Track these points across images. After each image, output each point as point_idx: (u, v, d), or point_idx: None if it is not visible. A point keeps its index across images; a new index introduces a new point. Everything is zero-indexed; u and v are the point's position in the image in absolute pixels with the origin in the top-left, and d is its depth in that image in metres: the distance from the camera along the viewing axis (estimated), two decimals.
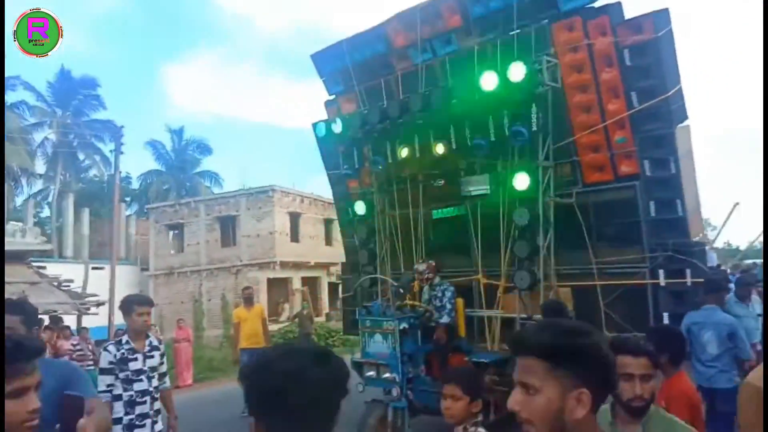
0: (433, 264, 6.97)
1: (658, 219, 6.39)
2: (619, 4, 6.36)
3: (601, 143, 6.69)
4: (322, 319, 26.31)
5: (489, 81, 6.32)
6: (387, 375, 6.33)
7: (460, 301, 7.37)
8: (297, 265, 27.13)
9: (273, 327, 24.13)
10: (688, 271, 6.17)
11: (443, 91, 6.83)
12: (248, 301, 9.70)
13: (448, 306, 6.88)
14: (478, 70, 6.75)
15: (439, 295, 6.93)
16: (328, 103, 9.18)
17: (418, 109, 6.99)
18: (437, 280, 7.00)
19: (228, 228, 27.16)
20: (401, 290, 6.66)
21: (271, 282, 26.37)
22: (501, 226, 6.93)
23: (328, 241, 29.60)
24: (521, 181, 6.45)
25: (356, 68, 8.46)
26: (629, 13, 6.39)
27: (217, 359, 17.47)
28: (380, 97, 8.14)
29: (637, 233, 6.55)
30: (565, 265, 6.84)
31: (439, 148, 7.18)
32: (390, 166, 8.02)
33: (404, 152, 7.72)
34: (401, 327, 6.40)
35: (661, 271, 6.36)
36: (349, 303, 9.39)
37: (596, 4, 6.42)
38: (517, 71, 6.06)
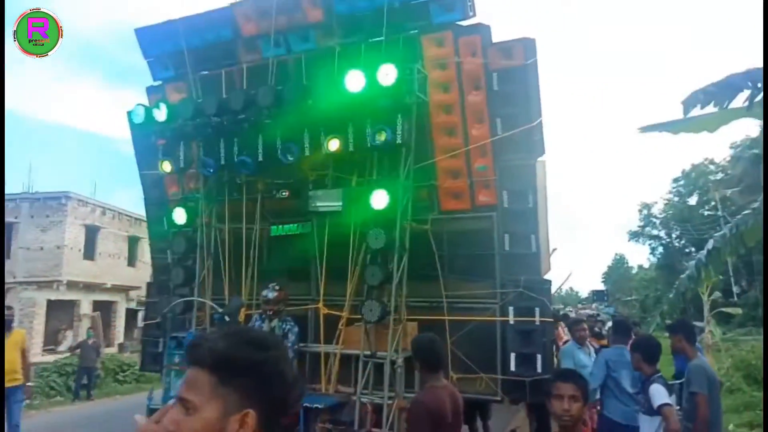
0: (285, 293, 5.86)
1: (512, 253, 6.10)
2: (489, 26, 6.11)
3: (462, 169, 6.28)
4: (113, 350, 22.78)
5: (355, 81, 5.54)
6: None
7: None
8: (89, 287, 23.33)
9: (49, 358, 20.23)
10: (537, 310, 5.92)
11: (299, 88, 5.88)
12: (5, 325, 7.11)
13: (291, 354, 5.78)
14: (338, 72, 5.96)
15: (280, 333, 5.81)
16: (150, 90, 7.62)
17: (267, 104, 5.93)
18: (284, 312, 5.89)
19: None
20: (227, 318, 5.39)
21: (52, 304, 22.21)
22: (350, 250, 6.09)
23: (131, 261, 26.18)
24: (379, 200, 5.71)
25: (192, 53, 7.11)
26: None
27: None
28: (218, 90, 6.90)
29: (490, 267, 6.19)
30: (414, 297, 6.20)
31: (288, 154, 6.13)
32: (222, 170, 6.74)
33: (242, 155, 6.51)
34: None
35: (510, 309, 6.04)
36: (152, 332, 7.69)
37: (468, 22, 6.08)
38: (387, 74, 5.38)
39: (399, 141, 5.59)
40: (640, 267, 52.10)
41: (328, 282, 6.41)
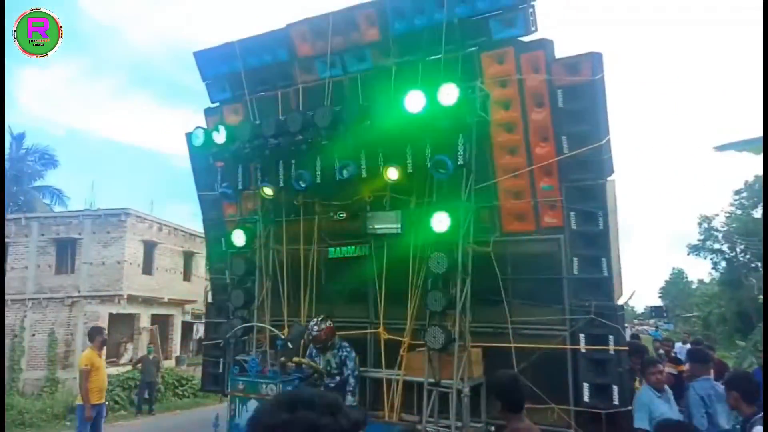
0: (331, 326, 5.74)
1: (581, 278, 5.79)
2: (552, 41, 5.86)
3: (525, 189, 6.04)
4: (171, 363, 23.31)
5: (415, 101, 5.40)
6: None
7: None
8: (147, 301, 23.98)
9: (112, 371, 20.84)
10: (611, 338, 5.58)
11: (357, 109, 5.78)
12: (102, 345, 7.91)
13: (352, 380, 5.67)
14: (394, 92, 5.85)
15: (337, 361, 5.69)
16: (208, 112, 7.72)
17: (324, 125, 5.86)
18: (336, 340, 5.77)
19: (66, 252, 23.36)
20: (289, 344, 5.31)
21: (114, 318, 22.94)
22: (410, 273, 5.92)
23: (186, 276, 26.79)
24: (440, 222, 5.52)
25: (249, 75, 7.16)
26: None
27: (31, 411, 14.20)
28: (274, 112, 6.90)
29: (557, 292, 5.89)
30: (477, 322, 5.95)
31: (345, 174, 6.04)
32: (281, 191, 6.71)
33: (300, 176, 6.46)
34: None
35: (582, 336, 5.72)
36: (212, 353, 7.72)
37: (530, 38, 5.85)
38: (448, 94, 5.21)
39: (461, 162, 5.40)
40: (701, 282, 49.62)
41: (387, 306, 6.26)
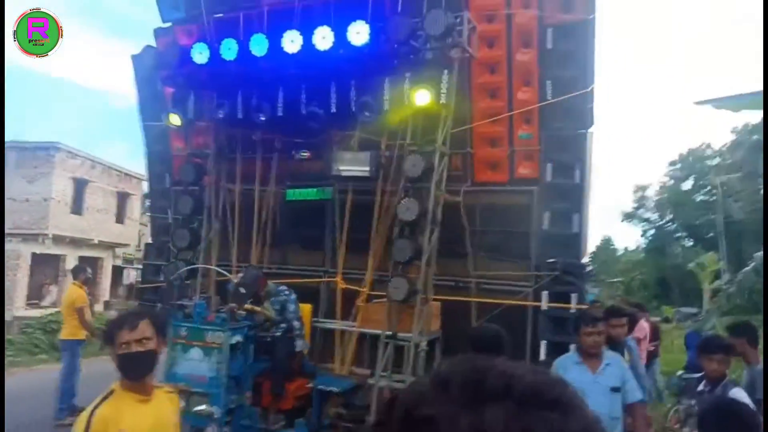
0: (263, 277, 5.30)
1: (551, 233, 5.57)
2: None
3: (502, 137, 5.70)
4: (99, 307, 22.19)
5: (396, 28, 4.87)
6: (202, 408, 4.45)
7: (306, 308, 5.78)
8: (75, 242, 22.57)
9: (33, 313, 19.63)
10: (573, 296, 5.42)
11: (330, 35, 5.17)
12: (86, 283, 7.76)
13: (296, 323, 5.25)
14: (373, 19, 5.28)
15: (277, 308, 5.25)
16: (158, 32, 6.86)
17: (296, 50, 5.23)
18: (271, 287, 5.32)
19: None
20: (241, 290, 4.83)
21: (37, 258, 21.49)
22: (375, 220, 5.52)
23: (119, 218, 25.37)
24: (413, 166, 5.11)
25: None
26: None
27: None
28: (235, 36, 6.16)
29: (525, 246, 5.67)
30: (439, 275, 5.66)
31: (312, 110, 5.47)
32: (237, 124, 6.07)
33: (262, 107, 5.82)
34: (233, 341, 4.59)
35: (544, 293, 5.53)
36: (149, 296, 7.11)
37: None
38: (436, 21, 4.71)
39: (443, 101, 4.96)
40: (626, 249, 52.00)
41: (346, 254, 5.85)
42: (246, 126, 6.04)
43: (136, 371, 2.14)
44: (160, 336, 2.23)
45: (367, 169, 5.45)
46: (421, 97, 4.97)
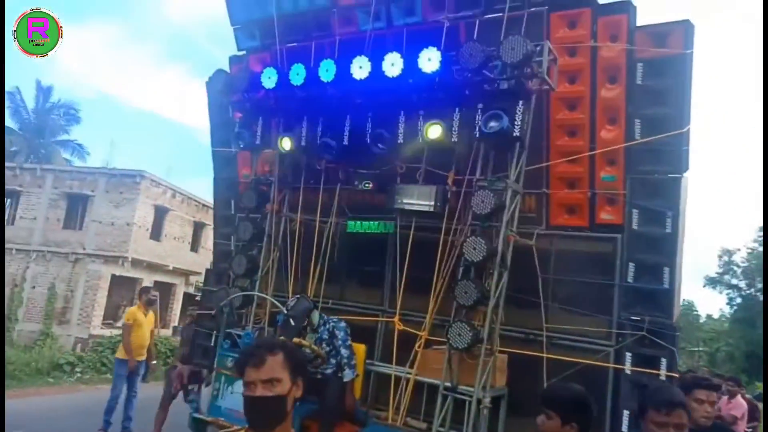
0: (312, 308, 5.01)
1: (636, 287, 4.95)
2: (635, 6, 5.02)
3: (582, 178, 5.21)
4: (168, 332, 22.78)
5: (470, 55, 4.59)
6: None
7: (360, 348, 5.41)
8: (152, 267, 23.49)
9: (106, 332, 20.38)
10: (663, 361, 4.74)
11: (407, 62, 4.97)
12: (149, 304, 8.43)
13: (344, 351, 4.90)
14: (446, 49, 5.04)
15: (326, 336, 4.92)
16: (233, 60, 6.97)
17: (364, 77, 5.07)
18: (316, 317, 5.00)
19: (76, 208, 22.93)
20: (291, 321, 4.55)
21: (116, 280, 22.48)
22: (438, 259, 5.14)
23: (194, 246, 26.30)
24: (482, 202, 4.72)
25: (281, 21, 6.40)
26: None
27: (16, 363, 13.65)
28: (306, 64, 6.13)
29: (605, 300, 5.07)
30: (507, 325, 5.15)
31: (378, 140, 5.25)
32: (302, 152, 5.95)
33: (326, 136, 5.68)
34: None
35: (628, 355, 4.89)
36: (205, 323, 6.99)
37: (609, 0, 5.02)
38: (513, 48, 4.39)
39: (517, 133, 4.58)
40: (709, 317, 48.11)
41: (406, 293, 5.47)
42: (310, 153, 5.90)
43: (260, 420, 1.73)
44: (297, 377, 1.78)
45: (432, 203, 5.12)
46: (492, 127, 4.62)
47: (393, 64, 4.91)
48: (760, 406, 12.56)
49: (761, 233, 40.14)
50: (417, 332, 5.22)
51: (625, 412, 4.79)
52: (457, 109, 4.93)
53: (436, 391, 4.86)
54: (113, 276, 22.35)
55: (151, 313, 8.44)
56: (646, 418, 2.33)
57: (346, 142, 5.58)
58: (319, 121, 5.66)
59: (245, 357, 1.79)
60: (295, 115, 5.77)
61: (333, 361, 4.77)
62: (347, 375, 4.74)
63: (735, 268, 42.40)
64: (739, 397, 8.15)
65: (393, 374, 5.24)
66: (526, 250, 5.23)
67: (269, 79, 5.49)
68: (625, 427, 4.75)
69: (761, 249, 40.03)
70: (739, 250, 42.59)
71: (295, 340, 4.58)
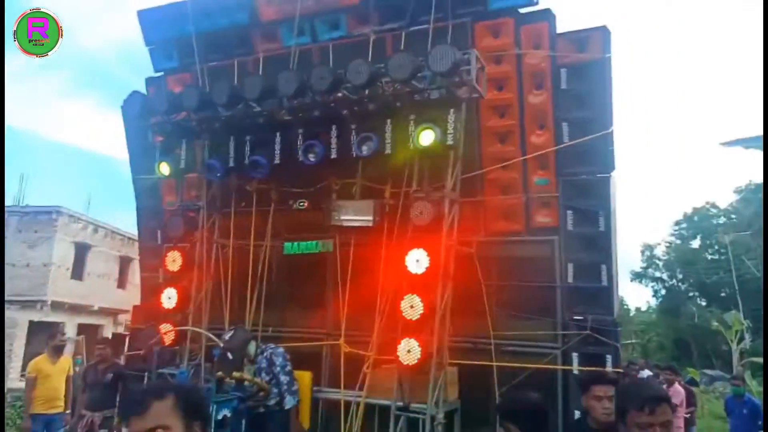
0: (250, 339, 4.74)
1: (577, 287, 5.03)
2: (554, 14, 5.17)
3: (515, 183, 5.27)
4: None
5: (399, 67, 4.54)
6: None
7: (305, 376, 5.16)
8: (75, 308, 21.97)
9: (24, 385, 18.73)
10: (608, 358, 4.81)
11: (328, 76, 4.85)
12: (56, 350, 7.18)
13: (284, 378, 4.62)
14: (373, 64, 4.98)
15: (264, 365, 4.65)
16: (149, 81, 6.63)
17: (288, 93, 4.90)
18: (252, 348, 4.71)
19: None
20: (229, 355, 4.25)
21: (35, 326, 20.82)
22: (382, 274, 5.00)
23: (122, 283, 24.87)
24: (420, 214, 4.65)
25: (201, 40, 6.14)
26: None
27: None
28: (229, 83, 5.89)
29: (549, 303, 5.11)
30: (455, 336, 5.07)
31: (310, 156, 5.08)
32: (230, 174, 5.68)
33: (255, 155, 5.43)
34: (219, 416, 3.98)
35: (575, 355, 4.93)
36: (137, 365, 6.49)
37: (532, 8, 5.14)
38: (442, 58, 4.37)
39: (450, 142, 4.55)
40: (638, 310, 50.70)
41: (350, 314, 5.29)
42: (240, 175, 5.64)
43: None
44: (193, 421, 1.54)
45: (370, 218, 4.99)
46: (426, 138, 4.57)
47: (322, 78, 4.77)
48: (696, 390, 13.21)
49: (677, 227, 42.89)
50: (364, 353, 5.04)
51: (577, 413, 4.79)
52: (389, 121, 4.84)
53: (389, 413, 4.70)
54: (31, 322, 20.71)
55: (63, 359, 7.46)
56: (627, 421, 2.11)
57: (277, 161, 5.36)
58: (246, 140, 5.42)
59: (127, 405, 1.57)
60: (221, 136, 5.50)
61: (275, 390, 4.50)
62: (288, 402, 4.47)
63: (657, 261, 44.98)
64: (676, 384, 8.45)
65: (342, 399, 5.02)
66: (467, 258, 5.19)
67: (190, 99, 5.21)
68: None
69: (678, 242, 42.72)
70: (659, 244, 45.24)
71: (235, 374, 4.28)
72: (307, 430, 4.83)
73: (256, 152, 5.43)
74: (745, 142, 5.47)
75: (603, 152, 4.97)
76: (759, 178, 33.18)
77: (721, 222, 39.06)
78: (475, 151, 5.30)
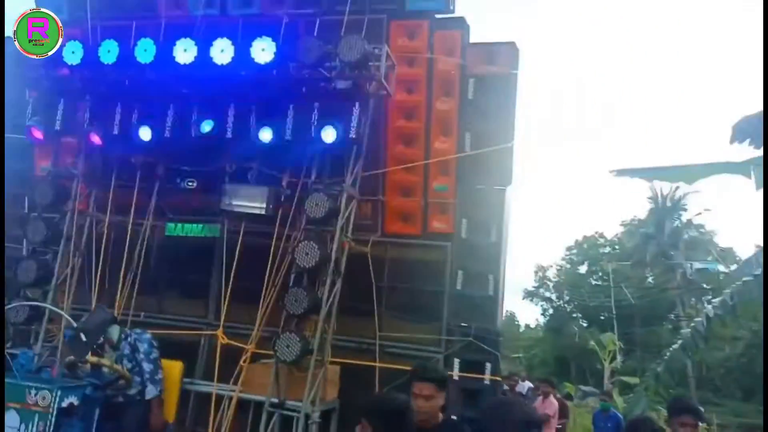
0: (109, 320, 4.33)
1: (464, 294, 5.07)
2: (468, 24, 5.23)
3: (416, 187, 5.25)
4: None
5: (308, 51, 4.36)
6: None
7: (176, 366, 4.80)
8: None
9: None
10: (488, 366, 4.89)
11: (239, 50, 4.57)
12: None
13: (147, 366, 4.24)
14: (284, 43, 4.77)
15: (127, 352, 4.26)
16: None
17: (188, 61, 4.57)
18: (115, 332, 4.30)
19: None
20: (83, 336, 3.82)
21: None
22: (269, 265, 4.77)
23: None
24: (316, 206, 4.49)
25: None
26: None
27: None
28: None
29: (436, 308, 5.12)
30: (340, 334, 4.95)
31: (206, 129, 4.75)
32: (114, 144, 5.20)
33: (145, 131, 5.02)
34: (64, 403, 3.57)
35: (456, 361, 4.96)
36: None
37: (448, 15, 5.16)
38: (351, 48, 4.25)
39: (353, 135, 4.44)
40: (527, 326, 53.51)
41: (232, 304, 5.00)
42: (123, 145, 5.18)
43: None
44: None
45: (263, 206, 4.75)
46: (328, 136, 4.44)
47: (222, 51, 4.49)
48: (569, 404, 13.97)
49: (568, 252, 45.72)
50: (243, 345, 4.78)
51: (453, 418, 4.82)
52: (291, 107, 4.64)
53: (262, 409, 4.47)
54: None
55: None
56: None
57: (167, 134, 4.97)
58: (135, 108, 4.99)
59: None
60: (107, 100, 5.02)
61: (138, 379, 4.12)
62: (150, 392, 4.11)
63: (548, 282, 47.62)
64: (551, 397, 8.85)
65: (214, 392, 4.72)
66: (360, 257, 5.10)
67: (73, 53, 4.70)
68: None
69: (568, 266, 45.51)
70: (551, 266, 47.92)
71: (91, 359, 3.86)
72: (172, 423, 4.47)
73: (145, 123, 5.02)
74: (633, 173, 5.83)
75: (502, 165, 5.07)
76: (642, 214, 36.34)
77: (606, 251, 42.00)
78: (380, 150, 5.23)
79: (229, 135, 4.73)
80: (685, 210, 34.05)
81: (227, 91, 4.78)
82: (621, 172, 5.74)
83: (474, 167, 5.11)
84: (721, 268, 30.09)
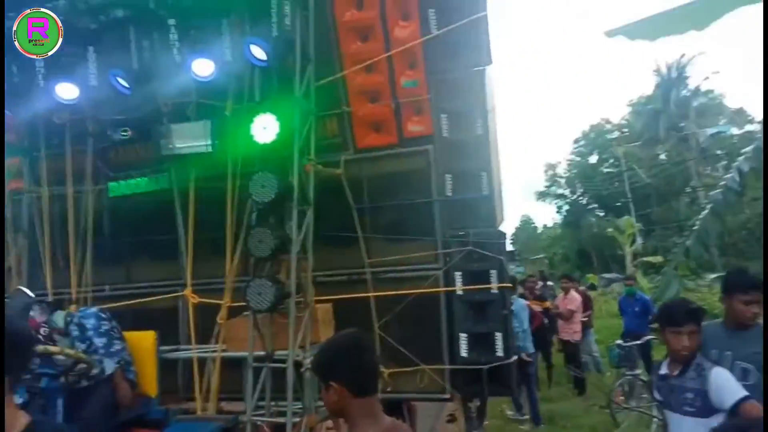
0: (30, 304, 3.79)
1: (455, 199, 4.46)
2: None
3: (383, 88, 4.52)
4: None
5: None
6: None
7: (148, 336, 4.31)
8: None
9: None
10: (493, 274, 4.33)
11: None
12: None
13: (98, 340, 3.74)
14: None
15: (77, 334, 3.76)
16: None
17: None
18: (59, 318, 3.79)
19: None
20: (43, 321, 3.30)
21: None
22: (229, 208, 4.18)
23: None
24: (264, 129, 3.81)
25: None
26: None
27: None
28: None
29: (427, 220, 4.53)
30: (325, 269, 4.43)
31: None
32: (33, 105, 4.49)
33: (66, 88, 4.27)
34: (20, 401, 3.09)
35: (457, 274, 4.42)
36: None
37: None
38: None
39: (275, 33, 3.68)
40: (545, 226, 53.32)
41: (198, 258, 4.46)
42: (45, 106, 4.47)
43: None
44: None
45: (207, 142, 4.09)
46: (260, 44, 3.68)
47: None
48: (593, 294, 13.71)
49: (576, 145, 44.73)
50: (216, 301, 4.27)
51: (462, 336, 4.36)
52: (225, 22, 3.87)
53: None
54: None
55: None
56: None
57: (93, 83, 4.23)
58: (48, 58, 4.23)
59: None
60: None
61: (97, 357, 3.65)
62: (108, 366, 3.64)
63: (559, 179, 47.00)
64: (572, 291, 8.48)
65: (195, 356, 4.27)
66: (334, 181, 4.49)
67: None
68: (464, 352, 4.33)
69: (578, 159, 44.68)
70: (560, 162, 47.12)
71: (40, 348, 3.38)
72: (155, 396, 4.04)
73: (63, 72, 4.28)
74: (629, 32, 4.98)
75: (476, 42, 4.30)
76: (648, 90, 34.78)
77: (614, 136, 41.08)
78: (333, 53, 4.48)
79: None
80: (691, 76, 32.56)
81: (148, 14, 3.98)
82: (616, 32, 4.91)
83: (444, 50, 4.35)
84: (734, 130, 29.13)
